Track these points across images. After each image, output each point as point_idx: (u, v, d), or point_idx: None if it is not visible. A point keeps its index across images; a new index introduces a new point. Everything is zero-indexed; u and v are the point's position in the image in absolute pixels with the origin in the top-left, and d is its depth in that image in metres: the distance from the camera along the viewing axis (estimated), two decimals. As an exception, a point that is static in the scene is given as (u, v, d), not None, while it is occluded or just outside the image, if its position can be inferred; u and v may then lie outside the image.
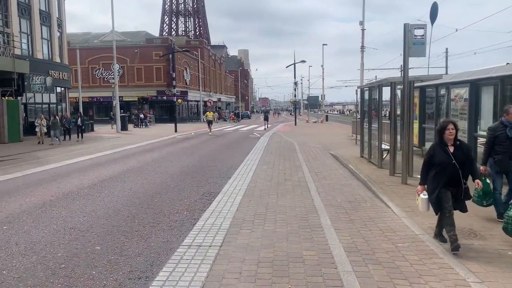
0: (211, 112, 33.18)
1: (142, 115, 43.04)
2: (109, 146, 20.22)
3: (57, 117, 23.54)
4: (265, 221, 6.38)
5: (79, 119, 25.41)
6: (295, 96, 52.49)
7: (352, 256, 4.87)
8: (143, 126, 40.99)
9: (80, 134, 24.60)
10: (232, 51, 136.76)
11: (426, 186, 5.26)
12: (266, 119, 38.10)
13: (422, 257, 4.83)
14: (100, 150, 18.23)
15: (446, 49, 47.23)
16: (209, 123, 29.84)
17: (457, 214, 6.50)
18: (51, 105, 30.21)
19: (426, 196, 5.24)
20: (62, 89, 32.22)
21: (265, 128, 34.61)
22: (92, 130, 34.34)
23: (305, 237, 5.61)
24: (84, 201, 8.11)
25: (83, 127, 25.79)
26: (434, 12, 23.20)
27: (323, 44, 53.36)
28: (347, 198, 8.01)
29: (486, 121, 9.84)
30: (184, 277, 4.36)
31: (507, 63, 12.66)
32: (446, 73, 36.97)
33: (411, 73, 9.85)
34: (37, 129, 22.42)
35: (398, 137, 10.80)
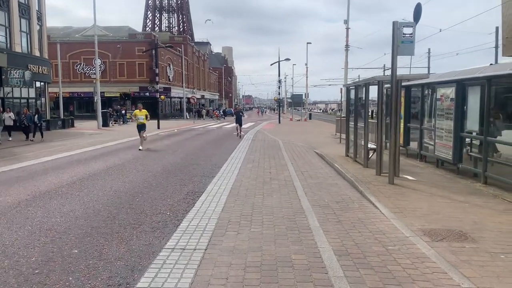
0: (143, 110, 17.49)
1: (124, 111, 42.17)
2: (90, 142, 19.72)
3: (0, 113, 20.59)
4: (252, 223, 6.16)
5: (36, 115, 21.76)
6: (279, 94, 52.40)
7: (343, 260, 4.70)
8: (122, 123, 39.49)
9: (38, 133, 21.39)
10: (217, 48, 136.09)
11: None
12: (238, 122, 24.28)
13: (414, 261, 4.68)
14: (80, 146, 17.74)
15: (429, 49, 47.86)
16: (140, 128, 16.91)
17: (443, 214, 6.42)
18: (30, 100, 29.39)
19: None
20: (42, 83, 31.38)
21: (239, 136, 23.17)
22: (73, 125, 33.68)
23: (294, 239, 5.41)
24: (62, 201, 7.76)
25: (41, 124, 22.18)
26: (417, 13, 23.30)
27: (307, 43, 53.38)
28: (335, 198, 7.85)
29: (473, 121, 9.83)
30: (168, 283, 4.12)
31: (490, 64, 12.72)
32: (428, 73, 37.32)
33: (390, 72, 9.75)
34: None
35: (383, 136, 10.73)
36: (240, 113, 25.64)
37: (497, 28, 31.81)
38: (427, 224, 6.10)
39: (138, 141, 17.34)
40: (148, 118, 17.35)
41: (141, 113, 17.31)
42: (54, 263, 4.73)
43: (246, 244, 5.20)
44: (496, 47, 31.93)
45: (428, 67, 46.92)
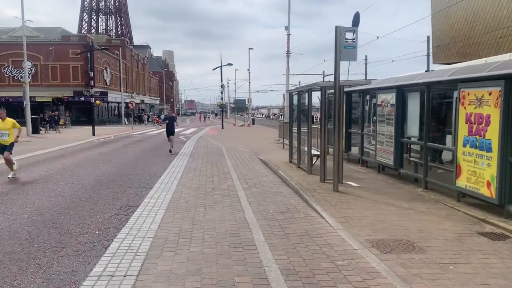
0: (7, 120, 11.27)
1: (57, 117, 39.32)
2: (16, 151, 18.03)
3: None
4: (192, 240, 5.63)
5: None
6: (222, 99, 51.95)
7: (291, 280, 4.32)
8: (52, 129, 36.03)
9: None
10: (158, 52, 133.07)
11: None
12: (170, 131, 17.88)
13: (365, 278, 4.40)
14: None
15: (366, 56, 49.57)
16: (4, 149, 11.07)
17: (389, 222, 6.24)
18: None
19: None
20: (-39, 87, 28.68)
21: (170, 150, 17.53)
22: (-2, 133, 31.00)
23: (237, 258, 4.96)
24: (-27, 221, 6.77)
25: None
26: (356, 21, 23.99)
27: (249, 48, 53.45)
28: (280, 209, 7.51)
29: (413, 126, 9.93)
30: (90, 321, 3.51)
31: (426, 71, 13.05)
32: (366, 79, 38.53)
33: (329, 79, 9.68)
34: None
35: (326, 142, 10.59)
36: (172, 120, 18.61)
37: (428, 37, 33.50)
38: (374, 234, 5.91)
39: (69, 149, 16.00)
40: (17, 132, 11.44)
41: (4, 125, 11.04)
42: (-50, 302, 3.95)
43: (185, 267, 4.67)
44: (428, 55, 33.58)
45: (365, 74, 48.59)
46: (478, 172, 7.18)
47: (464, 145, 7.55)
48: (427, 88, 8.96)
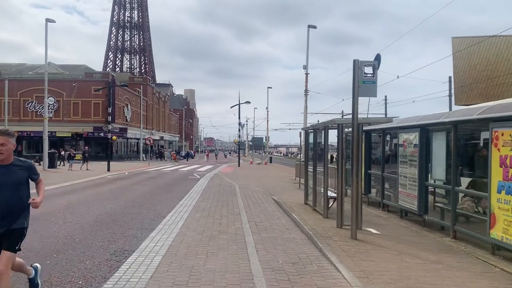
0: None
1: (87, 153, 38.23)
2: (26, 186, 17.73)
3: None
4: (184, 296, 4.89)
5: None
6: (239, 136, 51.72)
7: None
8: (68, 164, 34.72)
9: None
10: (180, 90, 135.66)
11: None
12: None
13: None
14: (12, 190, 15.78)
15: (385, 96, 49.00)
16: None
17: (415, 279, 5.36)
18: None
19: None
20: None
21: None
22: (15, 167, 31.09)
23: (234, 322, 4.19)
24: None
25: None
26: (377, 62, 23.73)
27: (268, 87, 53.64)
28: (290, 258, 6.71)
29: (439, 169, 9.12)
30: None
31: (450, 110, 12.25)
32: (386, 117, 37.72)
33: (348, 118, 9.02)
34: None
35: (344, 183, 9.84)
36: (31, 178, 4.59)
37: (450, 78, 32.85)
38: (398, 294, 5.07)
39: (80, 185, 15.50)
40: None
41: None
42: None
43: (170, 332, 3.93)
44: (450, 95, 32.82)
45: (385, 114, 47.77)
46: (516, 222, 6.31)
47: (499, 191, 6.72)
48: (454, 128, 8.22)
